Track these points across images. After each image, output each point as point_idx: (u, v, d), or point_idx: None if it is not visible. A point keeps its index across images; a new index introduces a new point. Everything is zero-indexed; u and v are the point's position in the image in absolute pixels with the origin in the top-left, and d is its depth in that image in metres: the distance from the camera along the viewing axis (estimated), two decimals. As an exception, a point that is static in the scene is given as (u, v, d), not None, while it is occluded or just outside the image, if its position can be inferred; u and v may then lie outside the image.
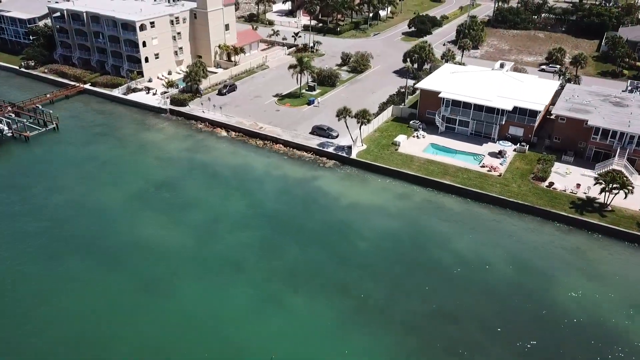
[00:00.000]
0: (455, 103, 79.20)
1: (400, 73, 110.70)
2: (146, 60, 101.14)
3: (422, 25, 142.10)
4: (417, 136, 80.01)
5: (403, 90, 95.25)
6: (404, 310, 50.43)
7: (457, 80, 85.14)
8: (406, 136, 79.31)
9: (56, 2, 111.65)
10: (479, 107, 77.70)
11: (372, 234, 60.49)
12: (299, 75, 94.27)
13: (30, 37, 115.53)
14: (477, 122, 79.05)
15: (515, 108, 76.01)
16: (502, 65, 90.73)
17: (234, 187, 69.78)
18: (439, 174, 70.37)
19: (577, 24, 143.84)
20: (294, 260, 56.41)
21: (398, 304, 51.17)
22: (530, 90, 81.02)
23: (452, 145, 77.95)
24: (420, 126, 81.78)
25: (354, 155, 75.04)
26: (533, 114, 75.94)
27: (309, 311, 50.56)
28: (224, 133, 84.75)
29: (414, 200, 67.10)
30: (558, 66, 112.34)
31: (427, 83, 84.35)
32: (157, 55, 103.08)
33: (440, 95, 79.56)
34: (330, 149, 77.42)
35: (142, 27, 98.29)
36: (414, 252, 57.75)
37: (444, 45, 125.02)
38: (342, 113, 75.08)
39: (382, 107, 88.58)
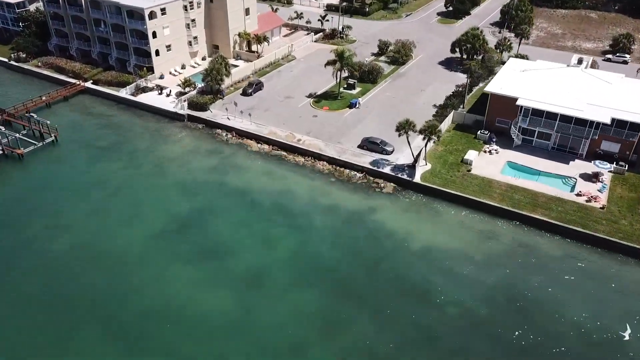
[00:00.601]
0: (537, 112, 65.68)
1: (448, 64, 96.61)
2: (157, 53, 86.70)
3: (461, 5, 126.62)
4: (490, 151, 66.77)
5: (460, 88, 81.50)
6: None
7: (530, 81, 71.30)
8: (477, 152, 66.06)
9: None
10: (566, 119, 64.23)
11: (460, 294, 48.02)
12: (339, 73, 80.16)
13: (21, 24, 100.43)
14: (562, 135, 65.75)
15: (613, 120, 62.66)
16: (580, 61, 76.82)
17: (276, 223, 56.88)
18: (527, 205, 57.52)
19: (634, 2, 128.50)
20: (368, 338, 43.93)
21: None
22: (623, 94, 67.36)
23: (533, 163, 64.77)
24: (494, 139, 68.38)
25: (417, 178, 62.02)
26: (635, 127, 62.57)
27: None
28: (255, 146, 71.27)
29: (501, 242, 54.41)
30: (627, 56, 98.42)
31: (498, 85, 70.44)
32: (169, 47, 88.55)
33: (518, 103, 65.95)
34: (387, 169, 64.27)
35: (152, 15, 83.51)
36: (520, 322, 45.21)
37: (499, 32, 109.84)
38: (404, 127, 61.69)
39: (441, 113, 74.99)
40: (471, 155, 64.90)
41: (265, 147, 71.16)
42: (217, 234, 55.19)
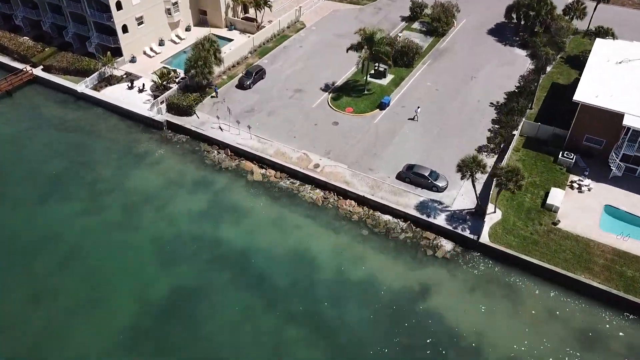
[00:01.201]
0: (651, 136, 47.19)
1: (500, 34, 75.79)
2: (124, 29, 65.91)
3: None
4: (580, 187, 48.90)
5: (523, 80, 61.88)
6: None
7: (632, 80, 51.93)
8: (562, 190, 48.15)
9: None
10: (696, 147, 45.90)
11: None
12: (366, 63, 59.96)
13: (-50, -16, 78.27)
14: (682, 165, 47.73)
15: None
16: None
17: (291, 316, 40.23)
18: (645, 286, 40.90)
19: None
20: None
21: None
22: None
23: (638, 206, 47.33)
24: (586, 172, 50.12)
25: (485, 235, 44.74)
26: None
27: None
28: (256, 172, 53.21)
29: (612, 351, 38.05)
30: None
31: (591, 91, 50.77)
32: (140, 20, 67.48)
33: (626, 123, 47.04)
34: (441, 218, 46.74)
35: (113, -21, 62.23)
36: None
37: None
38: (470, 167, 43.46)
39: (506, 122, 56.01)
40: (556, 197, 47.06)
41: (271, 173, 53.20)
42: (209, 338, 38.83)
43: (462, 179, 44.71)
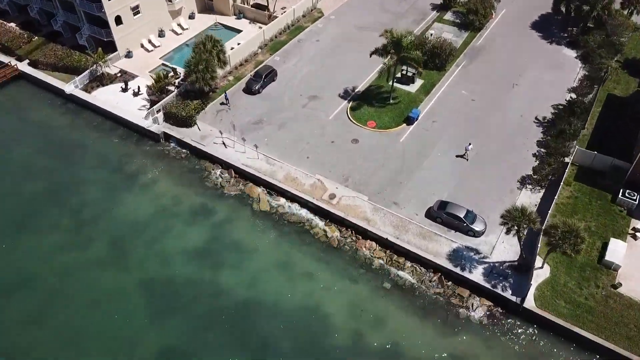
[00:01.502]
0: None
1: (545, 30, 66.30)
2: (118, 21, 58.09)
3: None
4: (643, 238, 41.34)
5: (575, 92, 53.12)
6: None
7: None
8: (623, 242, 40.58)
9: None
10: None
11: None
12: (392, 69, 51.51)
13: None
14: None
15: None
16: None
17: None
18: None
19: None
20: None
21: None
22: None
23: None
24: (653, 220, 42.38)
25: (529, 300, 37.71)
26: None
27: None
28: (263, 201, 46.25)
29: None
30: None
31: (664, 118, 42.70)
32: (136, 10, 59.45)
33: None
34: (477, 272, 39.60)
35: (103, -35, 53.95)
36: None
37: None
38: (518, 221, 36.01)
39: (555, 148, 47.77)
40: (616, 251, 39.55)
41: (280, 202, 46.25)
42: None
43: (507, 232, 37.43)
